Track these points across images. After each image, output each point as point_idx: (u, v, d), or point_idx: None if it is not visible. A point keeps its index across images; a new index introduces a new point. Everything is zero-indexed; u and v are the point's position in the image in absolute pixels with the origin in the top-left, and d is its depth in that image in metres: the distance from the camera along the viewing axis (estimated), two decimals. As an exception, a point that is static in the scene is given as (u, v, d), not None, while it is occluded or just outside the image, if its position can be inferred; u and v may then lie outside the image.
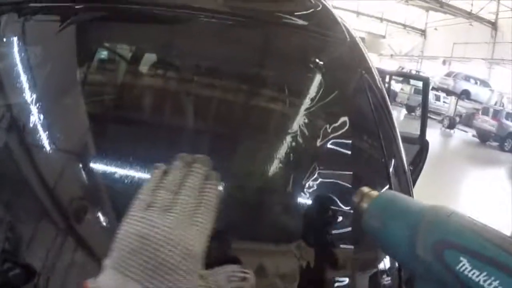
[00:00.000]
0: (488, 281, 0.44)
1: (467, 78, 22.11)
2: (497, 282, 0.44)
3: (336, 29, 1.03)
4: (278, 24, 1.01)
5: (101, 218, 0.86)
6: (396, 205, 0.60)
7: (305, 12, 1.01)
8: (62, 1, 1.00)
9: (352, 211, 0.88)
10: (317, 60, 0.98)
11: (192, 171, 0.60)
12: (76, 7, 1.01)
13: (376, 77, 1.04)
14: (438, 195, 6.99)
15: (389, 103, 1.06)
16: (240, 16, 1.01)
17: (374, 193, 0.67)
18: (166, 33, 1.09)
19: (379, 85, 1.04)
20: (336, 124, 0.93)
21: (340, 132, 0.93)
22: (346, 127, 0.93)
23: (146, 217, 0.54)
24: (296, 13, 1.01)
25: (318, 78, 0.97)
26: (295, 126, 0.96)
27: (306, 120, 0.97)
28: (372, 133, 0.97)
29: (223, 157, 0.92)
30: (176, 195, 0.57)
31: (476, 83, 22.28)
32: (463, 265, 0.47)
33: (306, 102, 0.97)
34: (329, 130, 0.92)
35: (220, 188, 0.60)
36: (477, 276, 0.45)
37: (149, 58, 1.17)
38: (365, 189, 0.69)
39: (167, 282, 0.51)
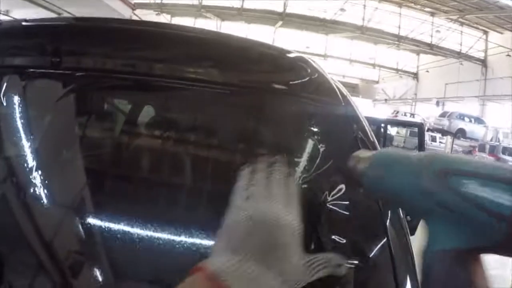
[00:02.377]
0: (491, 193, 0.47)
1: (461, 117, 22.23)
2: (498, 191, 0.46)
3: (331, 95, 1.08)
4: (276, 93, 1.06)
5: (98, 273, 0.87)
6: (395, 156, 0.61)
7: (302, 81, 1.06)
8: (61, 68, 1.03)
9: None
10: (313, 125, 1.04)
11: (275, 169, 0.67)
12: (76, 74, 1.05)
13: (369, 134, 1.07)
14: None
15: None
16: (238, 86, 1.06)
17: (369, 152, 0.67)
18: (160, 99, 1.17)
19: (371, 140, 1.07)
20: (333, 183, 0.97)
21: (337, 191, 0.96)
22: (343, 185, 0.96)
23: (252, 205, 0.60)
24: (292, 82, 1.05)
25: (313, 141, 1.03)
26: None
27: (306, 179, 1.00)
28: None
29: (217, 215, 0.95)
30: (267, 189, 0.63)
31: (470, 121, 22.39)
32: (467, 185, 0.49)
33: (304, 163, 1.01)
34: (327, 189, 0.96)
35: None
36: (481, 192, 0.47)
37: (144, 122, 1.23)
38: (360, 152, 0.70)
39: (280, 260, 0.56)
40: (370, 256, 0.94)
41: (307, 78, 1.05)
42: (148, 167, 1.12)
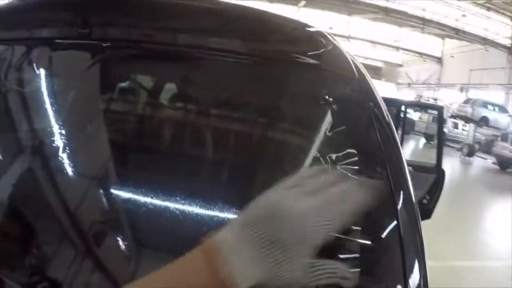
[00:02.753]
0: None
1: (485, 105, 21.89)
2: None
3: (346, 67, 1.08)
4: (291, 63, 1.06)
5: (121, 242, 0.89)
6: None
7: (316, 52, 1.05)
8: (88, 38, 1.04)
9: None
10: (327, 96, 1.02)
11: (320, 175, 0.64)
12: (102, 44, 1.07)
13: (384, 111, 1.08)
14: (458, 223, 6.92)
15: (396, 135, 1.09)
16: (256, 56, 1.07)
17: None
18: (185, 70, 1.16)
19: (386, 118, 1.06)
20: (345, 157, 0.96)
21: (348, 166, 0.95)
22: (354, 160, 0.96)
23: (287, 194, 0.59)
24: (308, 53, 1.05)
25: (327, 113, 1.02)
26: (305, 160, 1.00)
27: (317, 154, 1.02)
28: (379, 166, 1.00)
29: (239, 188, 0.97)
30: (314, 191, 0.60)
31: (494, 109, 22.04)
32: None
33: (317, 137, 1.02)
34: (338, 163, 0.95)
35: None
36: None
37: (169, 92, 1.23)
38: None
39: (284, 254, 0.54)
40: (379, 239, 0.93)
41: (322, 50, 1.06)
42: (172, 140, 1.14)
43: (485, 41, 26.27)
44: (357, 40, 30.77)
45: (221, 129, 1.14)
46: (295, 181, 0.62)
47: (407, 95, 30.21)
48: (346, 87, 1.05)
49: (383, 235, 0.93)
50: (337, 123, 1.00)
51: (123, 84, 1.23)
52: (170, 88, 1.26)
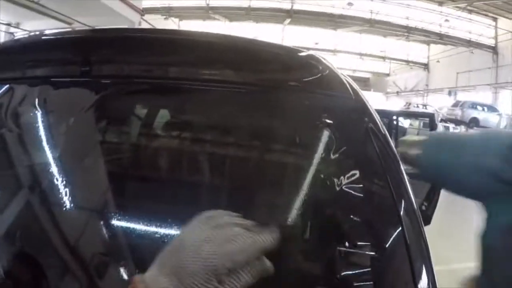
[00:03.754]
0: None
1: (474, 106, 21.94)
2: None
3: (342, 89, 1.12)
4: (289, 91, 1.10)
5: (123, 273, 0.89)
6: (452, 137, 0.58)
7: (313, 77, 1.10)
8: (85, 76, 1.07)
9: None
10: (326, 118, 1.07)
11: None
12: (101, 81, 1.11)
13: (380, 126, 1.10)
14: (456, 226, 6.93)
15: (393, 147, 1.13)
16: (253, 85, 1.10)
17: (418, 137, 0.63)
18: (184, 102, 1.18)
19: (382, 132, 1.09)
20: (347, 173, 1.00)
21: (351, 181, 0.99)
22: (357, 175, 1.00)
23: (198, 228, 0.65)
24: (305, 80, 1.09)
25: (327, 134, 1.06)
26: (309, 179, 1.03)
27: (321, 173, 1.05)
28: (380, 178, 1.03)
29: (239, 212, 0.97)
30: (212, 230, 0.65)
31: (483, 109, 22.07)
32: None
33: (318, 155, 1.05)
34: (342, 180, 0.99)
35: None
36: None
37: (168, 124, 1.26)
38: (408, 137, 0.63)
39: (188, 284, 0.60)
40: (386, 247, 0.96)
41: (318, 75, 1.10)
42: (170, 169, 1.16)
43: (470, 44, 26.44)
44: (344, 53, 30.91)
45: (221, 158, 1.16)
46: (213, 220, 0.67)
47: (396, 103, 30.19)
48: (343, 108, 1.08)
49: (390, 244, 0.95)
50: (338, 142, 1.03)
51: (125, 119, 1.25)
52: (169, 119, 1.30)
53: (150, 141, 1.33)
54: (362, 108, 1.11)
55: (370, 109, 1.14)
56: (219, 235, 0.64)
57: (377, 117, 1.14)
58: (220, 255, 0.63)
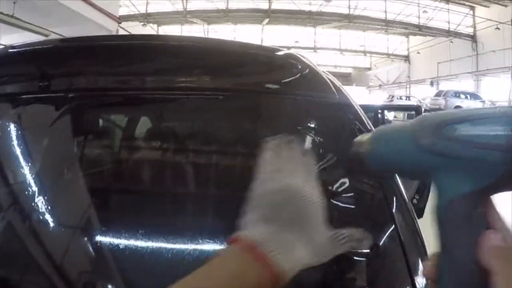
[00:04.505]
0: (484, 129, 0.48)
1: (456, 94, 22.20)
2: (489, 126, 0.48)
3: (325, 89, 1.09)
4: (270, 94, 1.07)
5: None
6: (390, 129, 0.62)
7: (293, 78, 1.07)
8: (51, 91, 1.04)
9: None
10: (310, 120, 1.04)
11: (294, 146, 0.67)
12: (68, 95, 1.07)
13: (366, 123, 1.09)
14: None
15: None
16: (232, 91, 1.08)
17: (368, 134, 0.66)
18: (159, 112, 1.16)
19: (369, 128, 1.09)
20: (336, 173, 0.99)
21: (340, 177, 0.98)
22: (346, 178, 0.99)
23: (278, 178, 0.62)
24: (284, 81, 1.07)
25: (313, 134, 1.04)
26: None
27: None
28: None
29: (228, 224, 0.94)
30: (291, 163, 0.64)
31: (466, 97, 22.33)
32: (461, 129, 0.50)
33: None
34: (331, 177, 0.98)
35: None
36: (475, 131, 0.49)
37: (146, 137, 1.24)
38: (360, 137, 0.67)
39: (310, 231, 0.58)
40: (380, 244, 0.95)
41: (298, 75, 1.07)
42: (152, 179, 1.12)
43: (449, 33, 26.75)
44: (325, 50, 31.07)
45: (200, 165, 1.13)
46: (271, 162, 0.65)
47: (379, 96, 30.45)
48: (327, 108, 1.05)
49: (383, 240, 0.94)
50: (324, 141, 1.01)
51: (93, 131, 1.21)
52: (142, 130, 1.27)
53: (128, 153, 1.28)
54: (346, 106, 1.09)
55: (355, 107, 1.12)
56: (302, 179, 0.62)
57: (362, 114, 1.13)
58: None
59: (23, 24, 11.78)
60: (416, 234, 0.99)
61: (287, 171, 0.63)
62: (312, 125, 1.05)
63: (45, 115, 1.09)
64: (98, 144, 1.21)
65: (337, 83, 1.16)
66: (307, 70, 1.09)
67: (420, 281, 0.90)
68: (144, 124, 1.29)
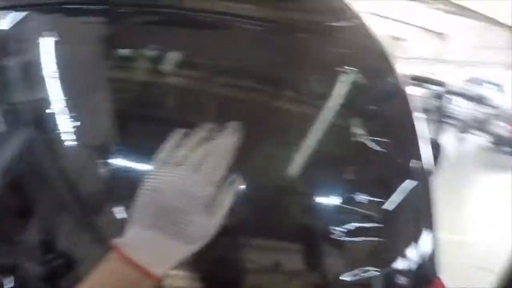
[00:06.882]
0: None
1: (483, 83, 21.83)
2: None
3: (371, 41, 1.08)
4: (320, 33, 1.08)
5: (123, 213, 0.90)
6: None
7: (343, 24, 1.05)
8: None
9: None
10: (350, 67, 1.05)
11: (213, 135, 0.70)
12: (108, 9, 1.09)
13: (402, 84, 1.09)
14: (452, 199, 7.01)
15: (412, 107, 1.11)
16: (281, 24, 1.08)
17: None
18: (201, 37, 1.15)
19: (405, 90, 1.08)
20: (366, 128, 1.00)
21: (369, 136, 0.99)
22: (375, 131, 1.00)
23: (159, 174, 0.65)
24: (335, 24, 1.06)
25: (351, 84, 1.04)
26: (326, 129, 1.02)
27: (337, 123, 1.04)
28: (398, 137, 1.04)
29: (251, 156, 0.97)
30: (192, 152, 0.67)
31: (492, 87, 21.97)
32: None
33: (338, 105, 1.03)
34: (360, 133, 0.99)
35: (234, 139, 0.69)
36: None
37: (180, 59, 1.22)
38: None
39: (177, 224, 0.61)
40: (396, 195, 0.98)
41: (344, 21, 1.06)
42: (179, 108, 1.15)
43: (489, 20, 25.91)
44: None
45: (229, 98, 1.15)
46: (165, 156, 0.68)
47: (407, 70, 29.89)
48: (371, 58, 1.05)
49: (397, 203, 0.95)
50: (362, 91, 1.01)
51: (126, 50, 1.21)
52: (177, 54, 1.25)
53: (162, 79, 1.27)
54: (387, 61, 1.08)
55: (394, 64, 1.11)
56: (186, 169, 0.65)
57: (399, 72, 1.11)
58: (197, 178, 0.64)
59: None
60: (428, 199, 1.04)
61: (174, 163, 0.66)
62: (348, 73, 1.03)
63: (79, 26, 1.10)
64: (127, 63, 1.20)
65: (382, 38, 1.15)
66: (353, 18, 1.07)
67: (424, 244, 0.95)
68: (178, 50, 1.27)
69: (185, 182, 0.63)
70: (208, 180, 0.64)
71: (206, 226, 0.63)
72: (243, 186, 0.68)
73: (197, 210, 0.62)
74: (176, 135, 0.70)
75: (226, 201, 0.66)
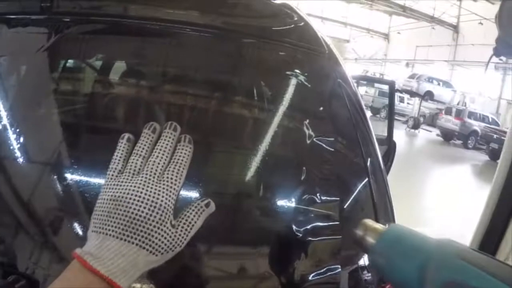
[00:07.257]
0: None
1: (430, 80, 22.50)
2: None
3: (316, 43, 1.08)
4: (262, 39, 1.06)
5: (78, 229, 0.86)
6: (402, 243, 0.60)
7: (288, 27, 1.06)
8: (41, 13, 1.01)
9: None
10: (298, 71, 1.03)
11: (163, 136, 0.67)
12: (62, 19, 1.04)
13: (352, 84, 1.10)
14: (407, 192, 7.18)
15: (364, 107, 1.13)
16: (225, 30, 1.06)
17: (379, 227, 0.65)
18: (146, 45, 1.11)
19: (354, 91, 1.09)
20: (318, 129, 0.99)
21: (321, 136, 0.98)
22: (327, 131, 1.00)
23: (118, 183, 0.62)
24: (279, 28, 1.05)
25: (300, 86, 1.03)
26: (279, 132, 1.00)
27: (290, 126, 1.03)
28: (350, 135, 1.03)
29: (203, 165, 0.93)
30: (146, 159, 0.65)
31: (439, 84, 22.68)
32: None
33: (289, 109, 1.02)
34: (312, 134, 0.98)
35: (191, 148, 0.67)
36: None
37: (127, 68, 1.19)
38: (369, 221, 0.67)
39: (141, 233, 0.58)
40: (354, 193, 0.99)
41: (293, 26, 1.06)
42: (126, 117, 1.08)
43: (432, 19, 26.78)
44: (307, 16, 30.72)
45: (176, 106, 1.11)
46: (119, 165, 0.65)
47: (354, 69, 30.58)
48: (317, 61, 1.06)
49: (357, 191, 0.99)
50: (309, 95, 1.01)
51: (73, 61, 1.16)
52: (122, 63, 1.22)
53: (108, 89, 1.24)
54: (335, 64, 1.09)
55: (344, 68, 1.12)
56: (146, 177, 0.63)
57: (348, 73, 1.12)
58: (158, 189, 0.62)
59: None
60: (385, 191, 1.05)
61: (131, 171, 0.64)
62: (298, 75, 1.04)
63: (36, 39, 1.04)
64: (77, 77, 1.16)
65: (328, 40, 1.16)
66: (302, 23, 1.08)
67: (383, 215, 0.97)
68: (124, 56, 1.25)
69: (148, 191, 0.62)
70: (171, 189, 0.63)
71: (171, 237, 0.61)
72: (214, 210, 0.67)
73: (162, 219, 0.60)
74: (124, 142, 0.68)
75: (197, 221, 0.64)
